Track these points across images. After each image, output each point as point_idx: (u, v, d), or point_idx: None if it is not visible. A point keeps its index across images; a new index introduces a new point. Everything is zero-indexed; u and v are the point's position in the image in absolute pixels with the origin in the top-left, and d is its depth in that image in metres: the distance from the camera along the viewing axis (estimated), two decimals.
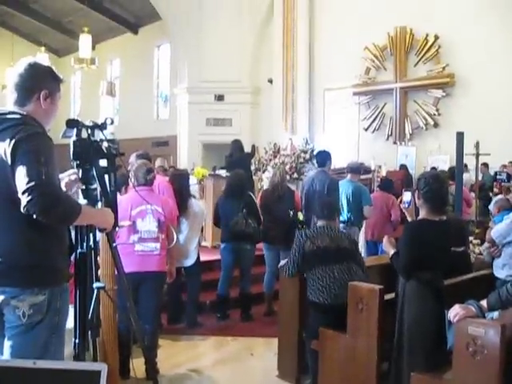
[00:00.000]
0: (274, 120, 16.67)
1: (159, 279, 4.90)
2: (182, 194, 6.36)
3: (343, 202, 7.34)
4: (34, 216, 2.38)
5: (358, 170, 7.93)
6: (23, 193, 2.36)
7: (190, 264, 6.46)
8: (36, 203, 2.35)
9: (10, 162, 2.45)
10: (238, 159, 9.83)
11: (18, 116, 2.60)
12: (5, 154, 2.47)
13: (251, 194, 7.36)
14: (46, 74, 2.74)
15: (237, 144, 10.36)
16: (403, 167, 12.80)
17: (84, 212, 2.53)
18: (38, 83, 2.69)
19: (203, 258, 7.07)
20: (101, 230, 2.76)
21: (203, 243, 9.05)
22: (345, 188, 7.41)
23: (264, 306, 7.12)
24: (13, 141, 2.46)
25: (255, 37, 17.54)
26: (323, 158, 7.43)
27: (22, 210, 2.38)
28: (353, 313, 4.14)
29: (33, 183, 2.35)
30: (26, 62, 2.69)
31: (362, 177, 9.10)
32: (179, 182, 6.51)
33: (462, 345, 3.14)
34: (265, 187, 9.59)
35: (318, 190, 7.04)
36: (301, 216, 7.23)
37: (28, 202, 2.35)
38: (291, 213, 7.04)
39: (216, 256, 7.66)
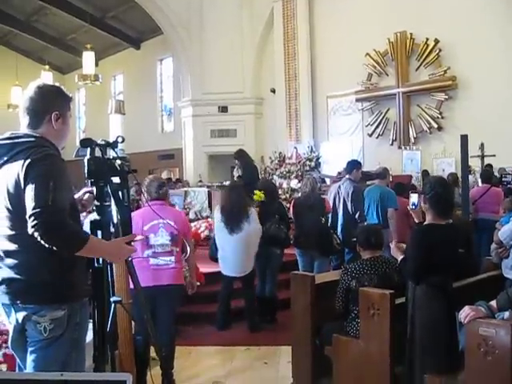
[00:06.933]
0: (278, 129, 16.77)
1: (175, 292, 4.90)
2: (239, 205, 6.59)
3: (372, 206, 7.80)
4: (39, 239, 2.45)
5: (383, 175, 8.33)
6: (29, 217, 2.45)
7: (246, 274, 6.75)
8: (40, 228, 2.43)
9: (22, 183, 2.54)
10: (250, 174, 9.88)
11: (31, 139, 2.67)
12: (18, 176, 2.55)
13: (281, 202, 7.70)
14: (55, 95, 2.81)
15: (244, 158, 10.30)
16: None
17: (92, 243, 2.57)
18: (49, 105, 2.75)
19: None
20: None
21: None
22: (374, 193, 7.91)
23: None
24: (26, 163, 2.54)
25: (256, 47, 17.66)
26: (349, 166, 7.98)
27: (29, 231, 2.46)
28: (365, 318, 4.17)
29: (38, 209, 2.44)
30: (35, 85, 2.77)
31: (368, 182, 9.21)
32: (236, 193, 6.73)
33: (474, 346, 3.19)
34: None
35: (342, 197, 7.58)
36: None
37: (33, 226, 2.44)
38: (323, 219, 7.36)
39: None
